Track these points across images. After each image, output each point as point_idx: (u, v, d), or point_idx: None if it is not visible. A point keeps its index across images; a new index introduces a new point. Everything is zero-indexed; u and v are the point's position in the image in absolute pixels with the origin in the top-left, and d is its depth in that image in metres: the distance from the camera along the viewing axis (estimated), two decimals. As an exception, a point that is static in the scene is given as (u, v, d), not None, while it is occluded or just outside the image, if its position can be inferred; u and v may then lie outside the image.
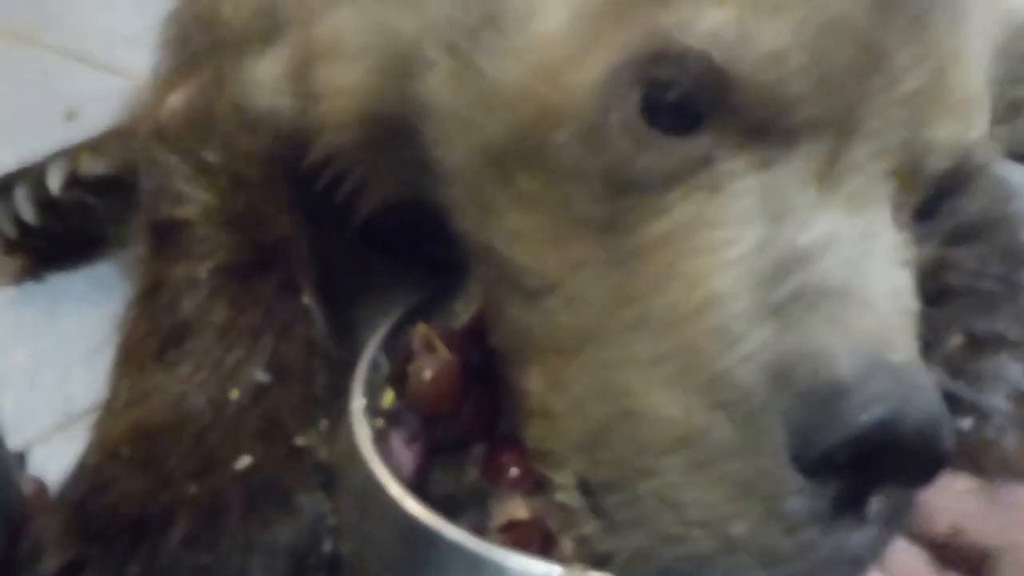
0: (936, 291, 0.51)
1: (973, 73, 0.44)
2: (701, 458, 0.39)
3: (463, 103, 0.47)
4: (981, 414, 0.52)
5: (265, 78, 0.65)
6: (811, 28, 0.40)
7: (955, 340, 0.54)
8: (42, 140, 0.97)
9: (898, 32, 0.41)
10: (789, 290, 0.40)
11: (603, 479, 0.42)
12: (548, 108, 0.44)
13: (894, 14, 0.41)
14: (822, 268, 0.40)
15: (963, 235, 0.55)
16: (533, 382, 0.47)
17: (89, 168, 0.78)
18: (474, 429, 0.56)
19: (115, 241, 0.77)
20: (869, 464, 0.37)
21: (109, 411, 0.55)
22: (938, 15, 0.42)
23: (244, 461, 0.52)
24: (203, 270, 0.59)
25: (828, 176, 0.41)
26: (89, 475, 0.51)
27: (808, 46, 0.40)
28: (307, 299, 0.60)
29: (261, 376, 0.55)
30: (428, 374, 0.56)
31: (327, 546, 0.51)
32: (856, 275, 0.40)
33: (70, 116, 1.06)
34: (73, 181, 0.78)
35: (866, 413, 0.36)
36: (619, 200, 0.43)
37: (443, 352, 0.57)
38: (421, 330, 0.59)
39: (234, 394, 0.54)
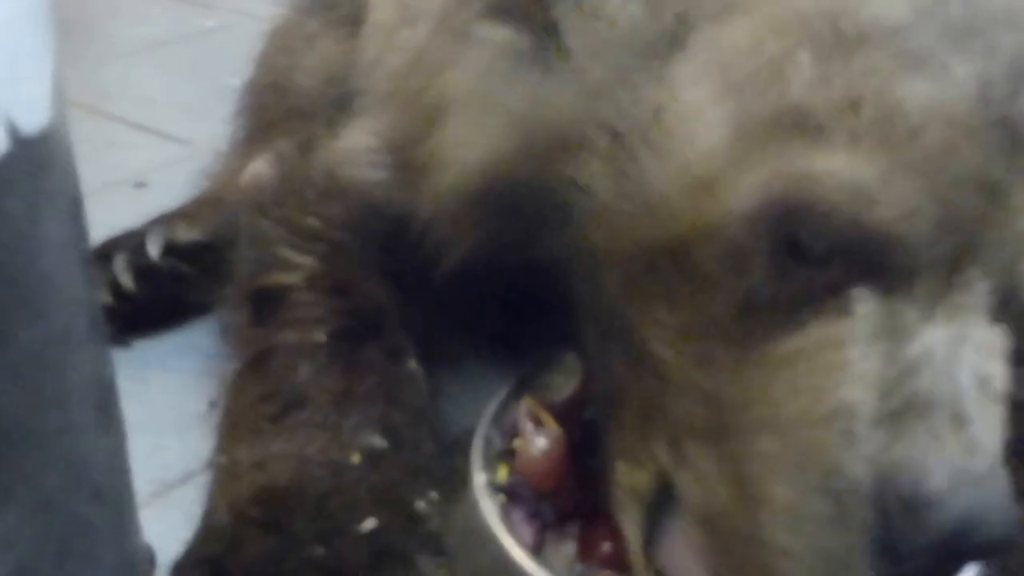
0: None
1: None
2: (801, 530, 0.44)
3: (622, 193, 0.51)
4: None
5: (357, 148, 0.68)
6: (944, 185, 0.44)
7: None
8: (113, 209, 1.00)
9: (1018, 173, 0.45)
10: (900, 401, 0.44)
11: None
12: (702, 220, 0.47)
13: (1017, 157, 0.45)
14: (926, 380, 0.44)
15: None
16: (660, 451, 0.50)
17: (185, 235, 0.81)
18: (575, 504, 0.57)
19: (202, 308, 0.80)
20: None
21: (228, 475, 0.56)
22: None
23: (368, 524, 0.52)
24: (317, 336, 0.60)
25: (941, 298, 0.45)
26: (220, 535, 0.52)
27: (939, 200, 0.44)
28: (412, 366, 0.62)
29: (378, 441, 0.56)
30: (539, 449, 0.57)
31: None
32: (951, 383, 0.44)
33: (139, 185, 1.08)
34: (170, 248, 0.80)
35: (948, 525, 0.41)
36: (755, 313, 0.47)
37: (550, 425, 0.58)
38: (528, 404, 0.60)
39: (354, 459, 0.55)
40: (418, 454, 0.58)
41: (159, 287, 0.80)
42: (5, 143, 0.35)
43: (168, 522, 0.55)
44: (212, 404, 0.68)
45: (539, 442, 0.57)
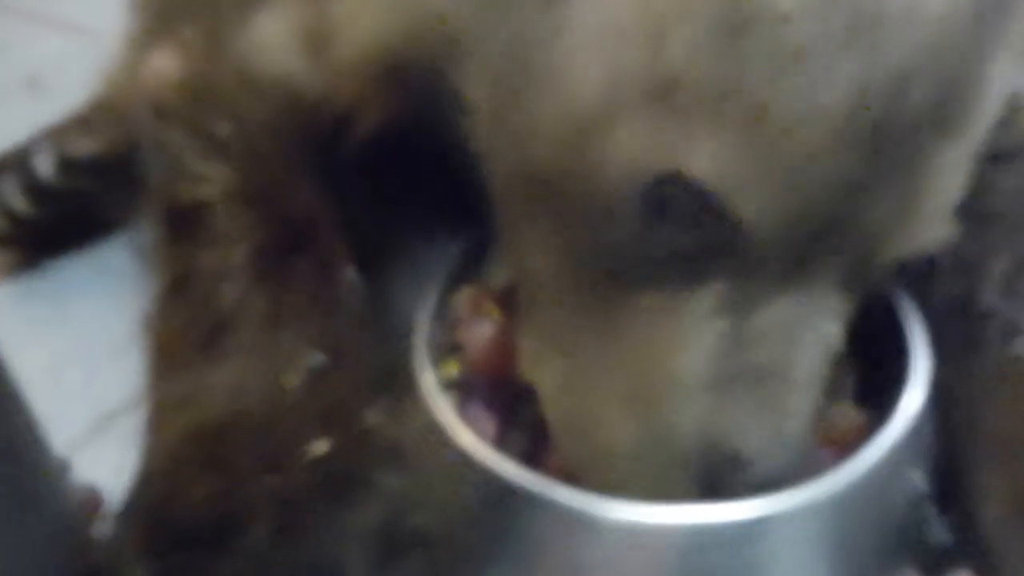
0: (980, 214, 0.53)
1: (953, 178, 0.49)
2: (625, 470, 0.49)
3: (501, 113, 0.50)
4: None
5: (270, 38, 0.63)
6: (806, 183, 0.44)
7: (1004, 261, 0.56)
8: (5, 115, 0.93)
9: (887, 170, 0.45)
10: (735, 370, 0.48)
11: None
12: (575, 164, 0.47)
13: (883, 158, 0.45)
14: (763, 352, 0.48)
15: (1004, 159, 0.55)
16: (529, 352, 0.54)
17: (80, 149, 0.75)
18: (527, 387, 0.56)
19: (114, 224, 0.75)
20: None
21: (160, 412, 0.53)
22: (932, 145, 0.46)
23: (318, 447, 0.51)
24: (238, 254, 0.56)
25: (791, 275, 0.47)
26: (157, 481, 0.50)
27: (800, 196, 0.45)
28: (348, 272, 0.59)
29: (316, 358, 0.54)
30: (486, 337, 0.56)
31: (414, 522, 0.51)
32: (791, 354, 0.48)
33: (32, 84, 0.99)
34: (64, 164, 0.74)
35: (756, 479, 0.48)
36: (620, 261, 0.48)
37: (493, 313, 0.57)
38: (468, 294, 0.59)
39: (291, 381, 0.53)
40: (362, 365, 0.56)
41: (60, 206, 0.75)
42: None
43: (112, 456, 0.53)
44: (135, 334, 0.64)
45: (484, 331, 0.56)
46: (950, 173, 0.48)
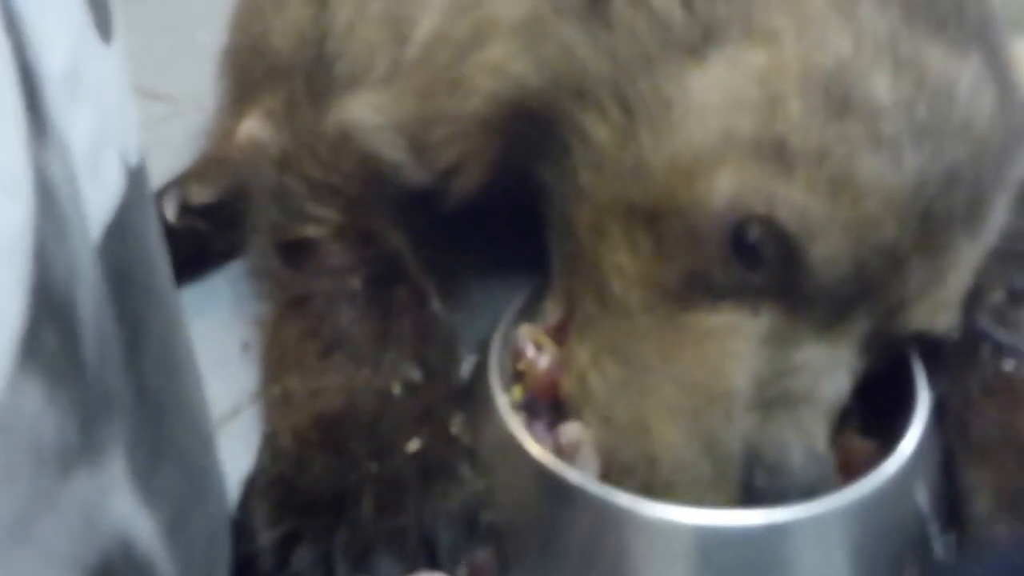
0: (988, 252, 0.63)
1: (965, 275, 0.60)
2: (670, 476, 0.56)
3: (617, 154, 0.59)
4: (1021, 356, 0.63)
5: (370, 126, 0.74)
6: (865, 245, 0.55)
7: (998, 293, 0.66)
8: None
9: (922, 251, 0.56)
10: (775, 394, 0.56)
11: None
12: (677, 200, 0.57)
13: (925, 240, 0.56)
14: (798, 382, 0.57)
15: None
16: (583, 361, 0.62)
17: (198, 196, 0.88)
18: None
19: (220, 259, 0.87)
20: None
21: (285, 402, 0.63)
22: (960, 241, 0.57)
23: (413, 444, 0.60)
24: (352, 283, 0.67)
25: (829, 325, 0.57)
26: (285, 457, 0.59)
27: (857, 255, 0.55)
28: (436, 305, 0.69)
29: (414, 373, 0.64)
30: (543, 368, 0.66)
31: (488, 516, 0.60)
32: (816, 388, 0.57)
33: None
34: (185, 209, 0.87)
35: (795, 491, 0.55)
36: (696, 285, 0.58)
37: (548, 346, 0.67)
38: (527, 330, 0.68)
39: (396, 389, 0.63)
40: (448, 383, 0.66)
41: (179, 245, 0.85)
42: (123, 177, 0.41)
43: (225, 453, 0.60)
44: (245, 345, 0.75)
45: (542, 362, 0.65)
46: (964, 270, 0.59)
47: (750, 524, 0.55)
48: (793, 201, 0.54)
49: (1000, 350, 0.63)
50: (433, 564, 0.57)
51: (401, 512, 0.57)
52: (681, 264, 0.57)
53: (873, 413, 0.63)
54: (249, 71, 1.06)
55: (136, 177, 0.43)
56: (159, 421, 0.42)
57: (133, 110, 0.43)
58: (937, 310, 0.59)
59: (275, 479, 0.58)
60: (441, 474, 0.60)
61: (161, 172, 0.94)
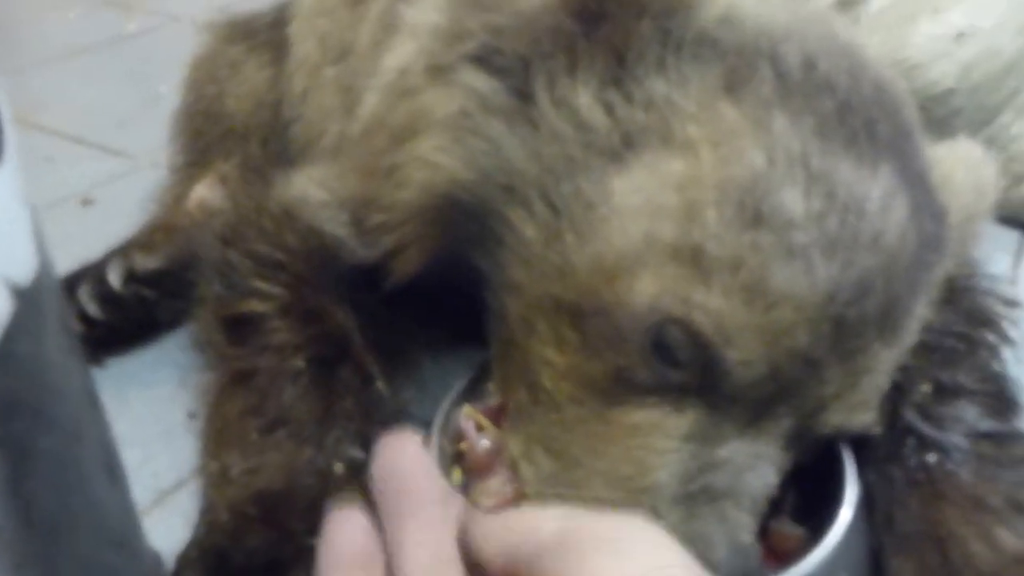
0: (915, 346, 0.65)
1: (882, 377, 0.62)
2: None
3: (543, 252, 0.61)
4: (944, 450, 0.65)
5: (315, 202, 0.75)
6: (780, 351, 0.57)
7: (924, 387, 0.68)
8: (63, 227, 1.05)
9: (838, 357, 0.58)
10: (698, 488, 0.57)
11: None
12: (600, 300, 0.59)
13: (839, 346, 0.58)
14: (721, 477, 0.57)
15: (939, 301, 0.67)
16: (516, 450, 0.63)
17: (143, 264, 0.88)
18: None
19: (168, 325, 0.88)
20: None
21: (225, 479, 0.63)
22: (874, 346, 0.59)
23: None
24: (297, 361, 0.68)
25: (751, 423, 0.59)
26: (221, 530, 0.60)
27: (772, 360, 0.57)
28: (380, 385, 0.70)
29: (357, 453, 0.65)
30: (483, 449, 0.66)
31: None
32: (740, 482, 0.58)
33: (86, 202, 1.13)
34: (130, 276, 0.87)
35: None
36: (620, 383, 0.59)
37: (488, 428, 0.67)
38: (468, 412, 0.69)
39: (338, 468, 0.64)
40: None
41: (125, 311, 0.87)
42: (9, 302, 0.40)
43: (167, 526, 0.63)
44: (191, 414, 0.76)
45: (482, 443, 0.66)
46: (880, 373, 0.61)
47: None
48: (709, 307, 0.56)
49: (924, 444, 0.65)
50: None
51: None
52: (606, 361, 0.59)
53: (807, 501, 0.65)
54: (203, 134, 1.07)
55: (28, 296, 0.41)
56: (52, 539, 0.42)
57: (25, 222, 0.42)
58: (854, 410, 0.61)
59: (208, 550, 0.59)
60: None
61: (112, 232, 0.96)
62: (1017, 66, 1.06)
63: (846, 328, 0.57)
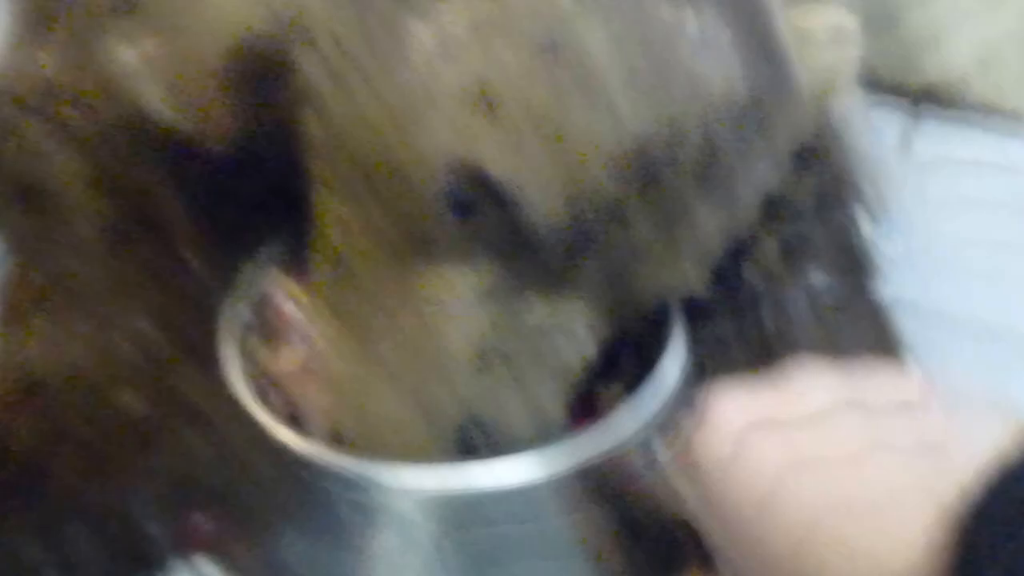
0: (763, 203, 0.60)
1: (706, 238, 0.56)
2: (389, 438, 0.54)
3: (335, 99, 0.55)
4: (783, 310, 0.61)
5: (129, 64, 0.67)
6: (580, 200, 0.51)
7: (769, 245, 0.63)
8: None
9: (650, 210, 0.52)
10: (496, 351, 0.53)
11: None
12: (390, 150, 0.53)
13: (649, 199, 0.52)
14: (523, 341, 0.54)
15: (792, 158, 0.61)
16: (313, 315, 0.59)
17: None
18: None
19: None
20: None
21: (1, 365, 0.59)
22: (693, 203, 0.53)
23: (131, 401, 0.57)
24: (87, 231, 0.62)
25: (556, 284, 0.54)
26: None
27: (572, 209, 0.51)
28: (185, 253, 0.65)
29: (148, 328, 0.60)
30: (289, 316, 0.61)
31: (209, 477, 0.57)
32: (544, 348, 0.54)
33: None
34: None
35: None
36: (410, 239, 0.54)
37: (299, 294, 0.61)
38: (276, 278, 0.63)
39: (120, 343, 0.59)
40: (187, 336, 0.61)
41: None
42: None
43: None
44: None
45: (287, 309, 0.61)
46: (707, 236, 0.56)
47: (479, 486, 0.52)
48: (503, 152, 0.51)
49: (762, 303, 0.61)
50: (134, 533, 0.53)
51: (106, 476, 0.53)
52: (400, 219, 0.54)
53: (643, 370, 0.60)
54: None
55: None
56: None
57: None
58: (674, 271, 0.55)
59: None
60: (158, 435, 0.56)
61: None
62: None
63: (657, 177, 0.52)
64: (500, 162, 0.51)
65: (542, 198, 0.51)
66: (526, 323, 0.54)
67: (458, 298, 0.54)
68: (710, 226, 0.55)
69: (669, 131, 0.51)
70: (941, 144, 0.92)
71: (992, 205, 0.85)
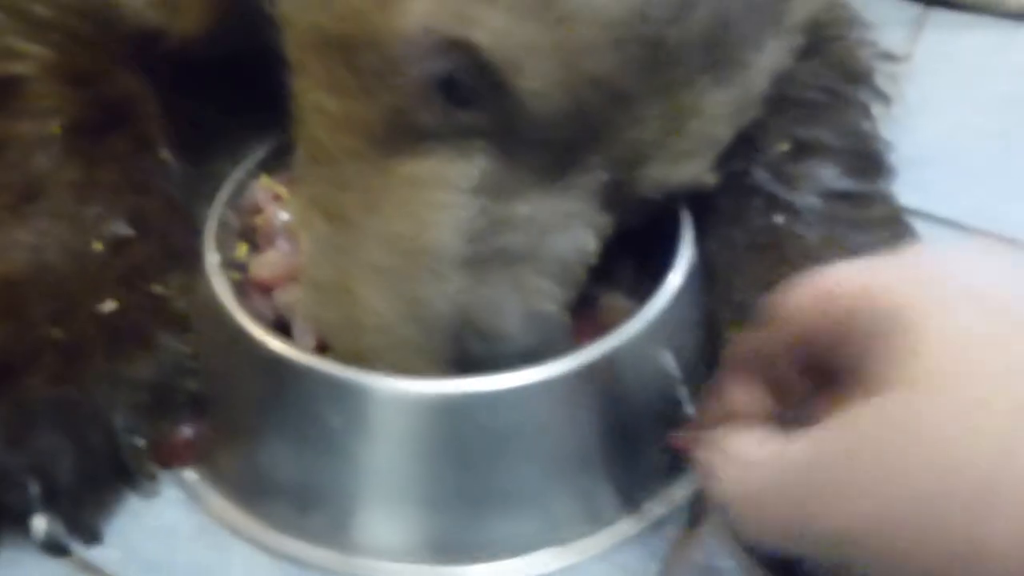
0: (774, 100, 0.56)
1: (714, 124, 0.52)
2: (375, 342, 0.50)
3: None
4: (794, 211, 0.57)
5: None
6: (580, 78, 0.46)
7: (781, 145, 0.59)
8: None
9: (655, 90, 0.48)
10: (492, 248, 0.49)
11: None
12: (370, 26, 0.48)
13: (654, 76, 0.47)
14: (519, 237, 0.49)
15: (804, 51, 0.58)
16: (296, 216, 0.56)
17: None
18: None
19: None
20: None
21: None
22: (701, 82, 0.49)
23: (107, 306, 0.53)
24: (54, 126, 0.58)
25: (556, 174, 0.50)
26: None
27: (573, 90, 0.47)
28: (164, 154, 0.61)
29: (122, 228, 0.56)
30: (279, 222, 0.59)
31: (190, 385, 0.54)
32: (542, 246, 0.50)
33: None
34: None
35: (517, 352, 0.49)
36: (395, 128, 0.50)
37: (287, 199, 0.59)
38: (265, 183, 0.61)
39: (96, 246, 0.55)
40: (167, 240, 0.58)
41: None
42: None
43: None
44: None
45: (279, 215, 0.58)
46: (713, 118, 0.51)
47: (470, 391, 0.49)
48: (492, 24, 0.46)
49: (773, 204, 0.57)
50: (115, 444, 0.51)
51: (80, 381, 0.50)
52: (383, 103, 0.49)
53: (647, 272, 0.57)
54: None
55: None
56: None
57: None
58: (680, 160, 0.51)
59: None
60: (135, 339, 0.53)
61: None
62: None
63: (663, 53, 0.47)
64: (491, 35, 0.46)
65: (539, 76, 0.46)
66: (522, 216, 0.50)
67: (450, 189, 0.50)
68: (718, 108, 0.51)
69: (675, 2, 0.46)
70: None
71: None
